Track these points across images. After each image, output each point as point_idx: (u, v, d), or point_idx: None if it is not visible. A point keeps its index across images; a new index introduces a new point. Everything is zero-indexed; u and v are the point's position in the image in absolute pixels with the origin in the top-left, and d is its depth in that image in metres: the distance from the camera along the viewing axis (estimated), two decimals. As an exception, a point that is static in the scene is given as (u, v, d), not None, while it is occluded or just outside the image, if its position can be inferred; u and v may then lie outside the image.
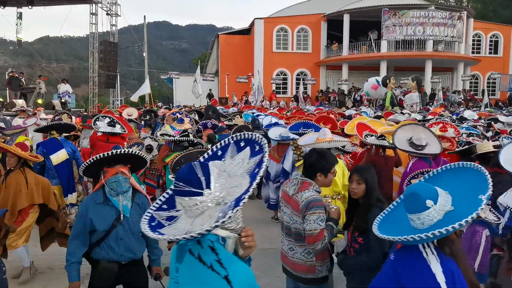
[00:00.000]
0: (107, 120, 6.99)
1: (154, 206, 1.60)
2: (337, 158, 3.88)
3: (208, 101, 25.11)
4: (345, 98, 25.33)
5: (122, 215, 2.70)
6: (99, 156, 2.66)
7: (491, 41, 29.96)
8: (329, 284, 2.91)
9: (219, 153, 1.58)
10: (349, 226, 2.90)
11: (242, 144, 1.56)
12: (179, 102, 27.06)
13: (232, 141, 1.59)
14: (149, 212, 1.57)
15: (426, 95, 23.71)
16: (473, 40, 29.33)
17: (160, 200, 1.60)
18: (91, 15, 19.56)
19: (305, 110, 14.86)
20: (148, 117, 12.54)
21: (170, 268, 1.69)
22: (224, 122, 9.86)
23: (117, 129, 6.94)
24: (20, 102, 14.92)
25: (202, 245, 1.50)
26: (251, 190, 1.40)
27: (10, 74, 15.76)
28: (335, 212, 2.86)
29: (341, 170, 4.23)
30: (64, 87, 18.81)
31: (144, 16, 29.87)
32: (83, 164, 2.77)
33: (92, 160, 2.68)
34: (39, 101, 16.20)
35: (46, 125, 6.68)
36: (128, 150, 2.71)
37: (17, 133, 6.97)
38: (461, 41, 26.51)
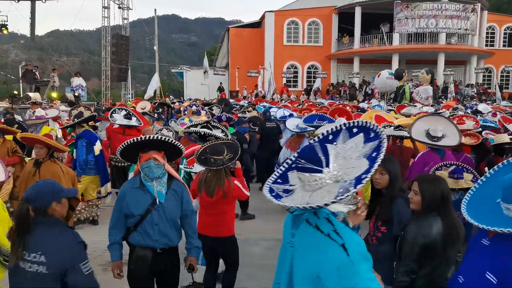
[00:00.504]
0: (123, 112, 7.10)
1: (271, 179, 1.76)
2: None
3: (218, 94, 25.17)
4: (356, 92, 25.18)
5: (157, 201, 2.76)
6: (132, 140, 2.73)
7: (505, 33, 29.43)
8: None
9: (330, 137, 1.71)
10: (371, 215, 2.94)
11: (355, 130, 1.68)
12: (189, 95, 27.18)
13: (344, 127, 1.70)
14: (267, 184, 1.75)
15: (439, 88, 23.45)
16: (487, 33, 28.84)
17: (275, 175, 1.77)
18: (103, 9, 19.69)
19: (316, 103, 14.82)
20: (160, 110, 12.64)
21: (284, 234, 1.90)
22: (238, 114, 9.93)
23: (133, 121, 7.05)
24: (34, 95, 15.15)
25: (318, 216, 1.66)
26: (372, 171, 1.53)
27: (25, 68, 15.97)
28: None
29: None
30: (77, 81, 19.03)
31: (155, 10, 29.83)
32: (119, 148, 2.84)
33: (125, 144, 2.76)
34: (54, 94, 16.41)
35: (75, 121, 6.73)
36: (161, 137, 2.76)
37: (40, 123, 7.11)
38: (475, 34, 26.11)
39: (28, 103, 13.07)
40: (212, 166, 3.20)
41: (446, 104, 16.05)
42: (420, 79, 20.80)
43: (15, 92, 15.08)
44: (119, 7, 20.84)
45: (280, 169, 1.77)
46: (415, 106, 11.94)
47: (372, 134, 1.64)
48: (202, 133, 4.81)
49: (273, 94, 22.76)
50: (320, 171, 1.61)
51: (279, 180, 1.74)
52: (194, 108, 8.31)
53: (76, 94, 18.10)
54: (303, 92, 26.42)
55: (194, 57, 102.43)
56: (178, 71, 31.49)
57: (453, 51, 25.47)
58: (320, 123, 6.19)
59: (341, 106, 9.21)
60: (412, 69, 24.38)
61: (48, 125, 7.30)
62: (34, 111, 9.46)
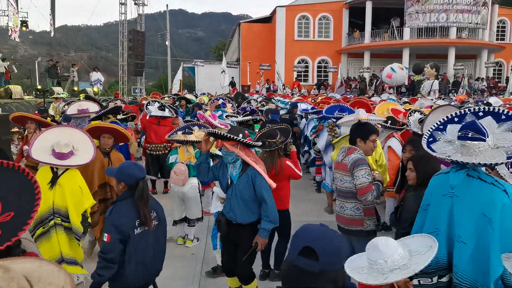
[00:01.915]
0: (157, 104, 7.61)
1: (433, 126, 2.40)
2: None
3: (230, 89, 25.59)
4: (366, 86, 25.46)
5: (229, 181, 3.27)
6: (211, 131, 3.23)
7: (516, 27, 29.49)
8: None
9: (480, 114, 2.26)
10: (401, 189, 3.39)
11: (481, 114, 2.27)
12: (201, 90, 27.64)
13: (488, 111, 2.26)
14: (429, 130, 2.36)
15: (449, 82, 23.67)
16: (498, 27, 28.90)
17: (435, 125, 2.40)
18: (120, 5, 20.19)
19: (331, 97, 15.19)
20: (177, 103, 13.13)
21: (435, 192, 2.39)
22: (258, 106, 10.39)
23: (167, 113, 7.55)
24: (57, 90, 15.73)
25: (478, 170, 2.20)
26: None
27: (48, 63, 16.56)
28: (379, 175, 3.45)
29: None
30: (96, 75, 19.59)
31: (167, 5, 30.28)
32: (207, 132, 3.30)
33: (215, 132, 3.23)
34: (75, 88, 16.98)
35: (101, 112, 7.26)
36: (229, 135, 3.13)
37: (84, 117, 7.58)
38: (485, 28, 26.21)
39: (53, 97, 13.65)
40: (266, 148, 3.70)
41: (456, 98, 16.36)
42: (426, 73, 21.06)
43: (39, 87, 15.68)
44: (135, 3, 21.32)
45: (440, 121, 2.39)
46: (430, 99, 12.28)
47: (503, 117, 2.19)
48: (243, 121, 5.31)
49: (284, 88, 23.17)
50: (483, 140, 2.09)
51: (441, 127, 2.35)
52: (220, 101, 8.78)
53: (95, 88, 18.69)
54: (314, 87, 26.76)
55: (200, 52, 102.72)
56: (189, 66, 31.95)
57: (464, 45, 25.61)
58: (340, 114, 6.60)
59: (359, 99, 9.61)
60: (423, 64, 24.59)
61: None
62: (66, 104, 10.02)
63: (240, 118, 5.94)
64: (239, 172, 3.22)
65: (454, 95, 19.53)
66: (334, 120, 6.57)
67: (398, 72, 18.76)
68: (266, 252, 4.04)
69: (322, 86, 26.60)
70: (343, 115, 6.52)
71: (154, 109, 7.40)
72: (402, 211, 2.96)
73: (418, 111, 5.68)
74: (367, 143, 3.37)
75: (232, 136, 3.09)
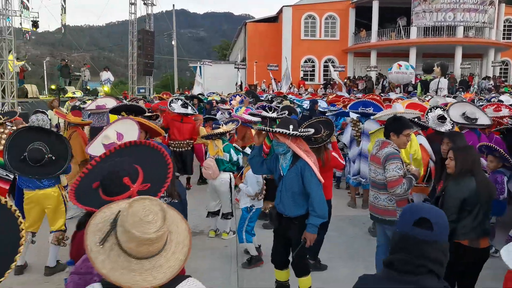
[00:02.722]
0: (180, 102, 7.73)
1: None
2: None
3: (238, 88, 25.70)
4: (373, 85, 25.53)
5: (281, 173, 3.31)
6: (266, 128, 3.35)
7: (522, 26, 29.52)
8: None
9: None
10: (439, 180, 3.50)
11: None
12: (207, 89, 27.74)
13: None
14: None
15: (456, 81, 23.72)
16: (504, 26, 28.95)
17: None
18: (130, 5, 20.34)
19: (340, 95, 15.29)
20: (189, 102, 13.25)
21: None
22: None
23: (189, 110, 7.67)
24: (70, 89, 15.89)
25: None
26: None
27: (61, 63, 16.74)
28: (416, 170, 3.56)
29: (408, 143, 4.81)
30: (106, 75, 19.73)
31: (173, 5, 30.45)
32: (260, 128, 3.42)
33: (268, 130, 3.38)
34: (88, 87, 17.12)
35: (119, 106, 7.40)
36: (278, 130, 3.19)
37: (100, 113, 7.71)
38: (492, 27, 26.27)
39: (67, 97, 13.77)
40: (313, 145, 3.72)
41: (464, 96, 16.43)
42: (434, 72, 21.13)
43: (54, 87, 15.82)
44: (144, 3, 21.46)
45: None
46: (445, 97, 12.38)
47: None
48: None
49: (290, 87, 23.26)
50: None
51: None
52: (238, 98, 8.90)
53: (106, 87, 18.85)
54: (321, 86, 26.83)
55: (202, 52, 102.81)
56: (195, 65, 32.05)
57: (471, 44, 25.67)
58: (364, 109, 6.71)
59: (371, 96, 9.70)
60: (433, 63, 24.63)
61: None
62: (81, 102, 10.14)
63: (270, 115, 6.04)
64: (289, 164, 3.23)
65: (461, 94, 19.60)
66: (358, 116, 6.69)
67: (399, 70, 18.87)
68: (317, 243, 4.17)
69: (329, 85, 26.70)
70: (368, 110, 6.65)
71: (177, 107, 7.52)
72: (444, 200, 3.07)
73: (441, 108, 5.77)
74: (400, 137, 3.45)
75: (281, 130, 3.12)
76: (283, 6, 28.89)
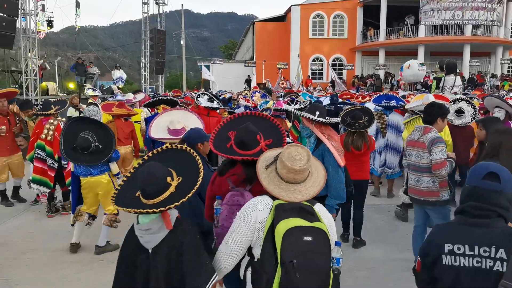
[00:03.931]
0: (206, 97, 8.00)
1: None
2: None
3: (246, 86, 25.95)
4: (381, 83, 25.71)
5: None
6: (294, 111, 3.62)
7: (530, 25, 29.56)
8: (449, 207, 3.77)
9: None
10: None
11: None
12: (216, 87, 28.04)
13: None
14: None
15: (464, 79, 23.86)
16: (512, 24, 29.02)
17: None
18: (143, 5, 20.64)
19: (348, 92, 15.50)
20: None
21: None
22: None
23: (215, 104, 7.93)
24: (87, 87, 16.17)
25: None
26: None
27: (77, 61, 17.03)
28: (452, 154, 3.81)
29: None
30: (117, 73, 19.98)
31: (182, 5, 30.76)
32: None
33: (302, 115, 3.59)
34: (103, 85, 17.40)
35: (156, 99, 7.74)
36: (304, 114, 3.46)
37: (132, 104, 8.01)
38: (501, 25, 26.36)
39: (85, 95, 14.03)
40: (357, 129, 4.09)
41: (473, 92, 16.61)
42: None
43: (72, 85, 16.13)
44: (156, 3, 21.75)
45: None
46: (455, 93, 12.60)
47: None
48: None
49: (300, 85, 23.48)
50: None
51: None
52: (258, 94, 9.17)
53: (118, 86, 19.12)
54: (329, 85, 27.03)
55: (206, 51, 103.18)
56: (205, 64, 32.31)
57: (479, 42, 25.78)
58: (388, 102, 6.94)
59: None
60: (437, 61, 24.78)
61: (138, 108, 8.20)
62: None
63: (293, 107, 6.29)
64: (313, 147, 3.45)
65: (470, 92, 19.74)
66: (381, 108, 6.93)
67: (411, 69, 18.98)
68: (346, 222, 4.48)
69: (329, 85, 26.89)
70: (391, 102, 6.89)
71: (204, 101, 7.77)
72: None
73: (466, 101, 6.00)
74: (444, 122, 3.73)
75: (307, 115, 3.39)
76: (292, 5, 29.11)
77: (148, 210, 1.73)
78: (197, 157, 2.00)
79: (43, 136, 5.29)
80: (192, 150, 2.04)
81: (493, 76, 25.78)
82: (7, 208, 6.11)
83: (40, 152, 5.34)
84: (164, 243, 1.79)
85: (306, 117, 3.37)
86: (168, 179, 1.84)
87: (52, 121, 5.40)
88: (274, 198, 1.87)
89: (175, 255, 1.77)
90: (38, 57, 13.59)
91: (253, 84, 23.28)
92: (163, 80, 24.51)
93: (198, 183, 1.86)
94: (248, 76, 27.85)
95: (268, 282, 1.73)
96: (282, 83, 24.83)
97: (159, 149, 2.04)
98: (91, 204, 4.40)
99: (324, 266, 1.74)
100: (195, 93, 16.83)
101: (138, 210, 1.74)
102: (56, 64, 27.35)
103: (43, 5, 15.77)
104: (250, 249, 1.90)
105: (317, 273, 1.72)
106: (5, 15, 10.21)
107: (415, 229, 3.95)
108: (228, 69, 29.80)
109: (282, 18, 31.36)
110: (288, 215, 1.78)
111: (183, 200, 1.77)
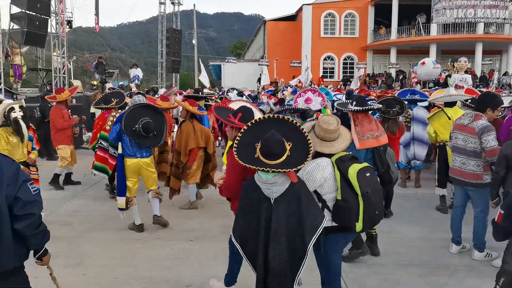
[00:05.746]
0: (236, 92, 8.41)
1: None
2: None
3: (258, 85, 26.29)
4: (393, 82, 25.90)
5: None
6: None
7: (542, 22, 29.54)
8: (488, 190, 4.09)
9: None
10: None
11: None
12: (227, 86, 28.48)
13: None
14: None
15: (477, 77, 23.98)
16: (524, 22, 29.02)
17: None
18: (160, 4, 21.10)
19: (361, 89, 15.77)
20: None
21: None
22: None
23: (244, 98, 8.32)
24: (108, 85, 16.61)
25: None
26: None
27: (98, 60, 17.49)
28: None
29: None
30: (134, 72, 20.39)
31: (194, 5, 31.29)
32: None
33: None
34: (121, 83, 17.84)
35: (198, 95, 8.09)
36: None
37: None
38: (513, 23, 26.44)
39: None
40: (391, 116, 4.53)
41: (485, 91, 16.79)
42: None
43: (95, 83, 16.60)
44: (172, 3, 22.19)
45: None
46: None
47: None
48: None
49: (310, 84, 23.75)
50: None
51: None
52: (290, 89, 9.57)
53: (135, 84, 19.55)
54: (341, 83, 27.29)
55: (213, 51, 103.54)
56: (215, 63, 32.81)
57: (491, 40, 25.87)
58: (412, 96, 7.24)
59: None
60: (448, 59, 24.91)
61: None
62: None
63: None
64: None
65: (483, 89, 19.89)
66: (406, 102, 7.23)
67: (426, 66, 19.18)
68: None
69: (348, 82, 27.14)
70: (415, 96, 7.21)
71: (233, 95, 8.18)
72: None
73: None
74: (494, 113, 4.05)
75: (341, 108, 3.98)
76: (303, 4, 29.40)
77: (280, 170, 2.14)
78: (300, 126, 2.41)
79: (107, 127, 5.69)
80: (292, 119, 2.44)
81: (506, 74, 25.90)
82: (59, 193, 6.62)
83: (103, 142, 5.77)
84: (286, 193, 2.18)
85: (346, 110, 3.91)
86: (286, 144, 2.18)
87: (114, 113, 5.80)
88: (328, 157, 2.61)
89: (295, 202, 2.17)
90: (66, 56, 14.04)
91: (263, 82, 23.60)
92: (178, 78, 24.94)
93: (311, 148, 2.29)
94: (261, 74, 28.23)
95: (355, 211, 2.49)
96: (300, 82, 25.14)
97: (261, 117, 2.41)
98: (134, 184, 4.85)
99: (381, 190, 2.67)
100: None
101: (271, 170, 2.14)
102: (71, 64, 27.90)
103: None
104: (320, 197, 2.56)
105: (380, 195, 2.61)
106: (38, 14, 10.65)
107: (455, 210, 4.26)
108: (242, 68, 30.22)
109: (294, 17, 31.68)
110: (349, 163, 2.54)
111: (306, 161, 2.24)
